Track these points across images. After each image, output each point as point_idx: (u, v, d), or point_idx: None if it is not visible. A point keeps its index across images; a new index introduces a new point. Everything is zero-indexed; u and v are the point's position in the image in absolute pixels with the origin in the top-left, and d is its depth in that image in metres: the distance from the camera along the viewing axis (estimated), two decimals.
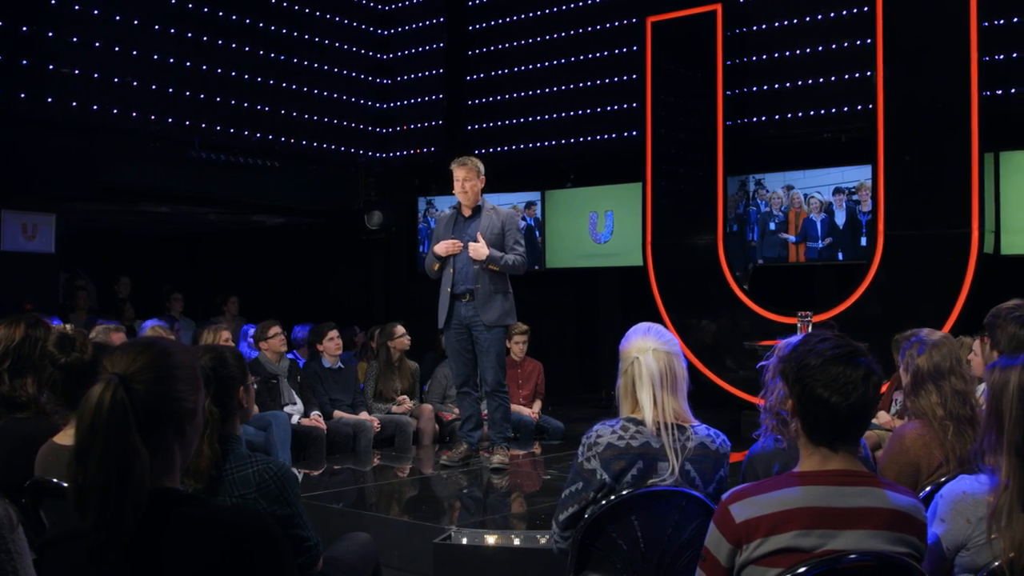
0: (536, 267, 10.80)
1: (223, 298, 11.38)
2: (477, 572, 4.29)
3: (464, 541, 4.34)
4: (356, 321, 10.64)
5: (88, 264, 11.49)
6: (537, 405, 8.51)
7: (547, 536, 4.38)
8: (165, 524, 1.76)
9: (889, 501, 2.27)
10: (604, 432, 3.02)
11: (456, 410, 8.15)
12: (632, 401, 3.06)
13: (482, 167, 6.48)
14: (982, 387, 3.75)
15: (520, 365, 8.49)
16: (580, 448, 3.06)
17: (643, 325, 3.13)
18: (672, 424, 3.01)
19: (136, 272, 12.08)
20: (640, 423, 3.00)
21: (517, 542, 4.35)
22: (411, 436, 7.82)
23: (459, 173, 6.41)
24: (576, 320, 11.71)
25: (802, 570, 2.21)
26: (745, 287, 9.18)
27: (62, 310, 9.33)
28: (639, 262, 9.83)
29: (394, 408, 8.12)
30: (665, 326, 9.24)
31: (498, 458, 6.38)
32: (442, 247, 6.36)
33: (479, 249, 6.20)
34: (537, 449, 7.60)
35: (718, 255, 9.20)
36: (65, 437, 3.12)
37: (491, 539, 4.34)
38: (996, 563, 2.39)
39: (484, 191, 6.55)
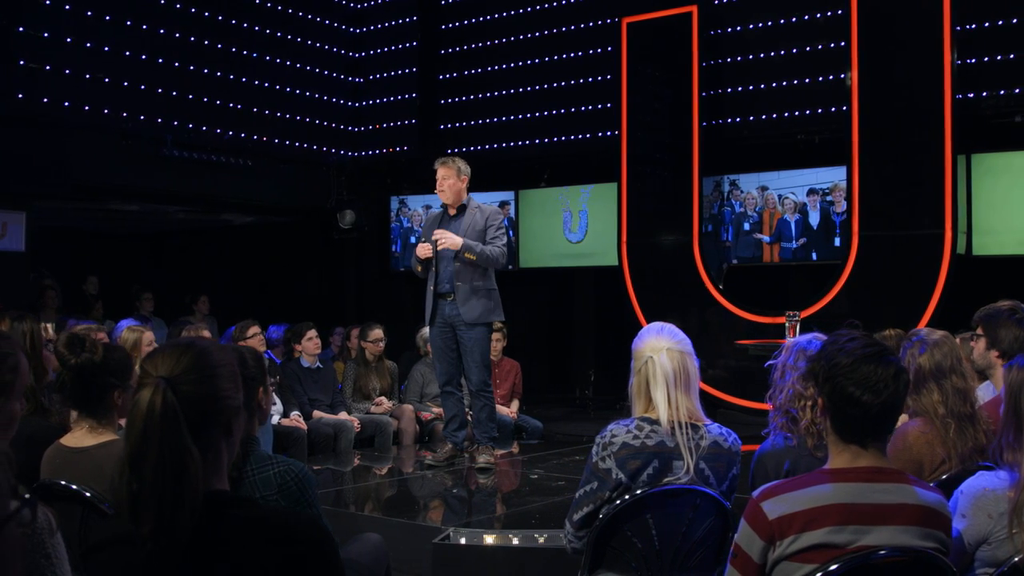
0: (510, 267, 10.81)
1: (193, 297, 11.27)
2: (476, 572, 4.28)
3: (463, 541, 4.33)
4: (328, 321, 10.57)
5: (53, 262, 11.31)
6: (515, 405, 8.50)
7: (545, 535, 4.40)
8: (221, 527, 1.74)
9: (918, 497, 2.30)
10: (619, 432, 3.01)
11: (435, 409, 8.15)
12: (645, 400, 3.06)
13: (464, 166, 6.46)
14: None
15: (497, 364, 8.47)
16: (594, 448, 3.05)
17: (656, 324, 3.13)
18: (686, 423, 3.02)
19: (102, 270, 11.90)
20: (654, 422, 3.01)
21: (516, 541, 4.34)
22: (391, 436, 7.79)
23: (439, 172, 6.42)
24: (550, 320, 11.72)
25: (835, 567, 2.23)
26: (720, 287, 9.26)
27: (32, 309, 9.17)
28: (613, 262, 9.88)
29: (372, 408, 8.09)
30: (641, 325, 9.23)
31: (484, 458, 6.35)
32: (420, 251, 6.37)
33: (451, 239, 6.16)
34: (515, 449, 7.59)
35: (693, 255, 9.26)
36: (73, 439, 3.08)
37: (489, 539, 4.34)
38: (1017, 557, 2.44)
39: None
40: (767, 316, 8.69)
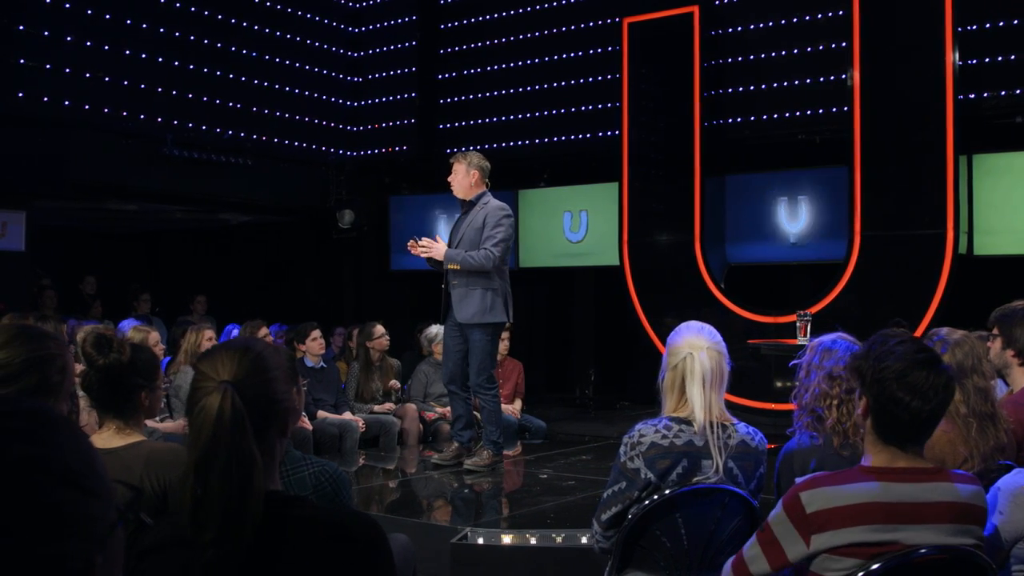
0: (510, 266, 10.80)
1: (191, 297, 11.26)
2: (495, 572, 4.28)
3: (480, 541, 4.33)
4: (327, 320, 10.54)
5: (50, 262, 11.28)
6: (518, 404, 8.50)
7: (562, 535, 4.41)
8: (279, 527, 1.74)
9: (958, 494, 2.31)
10: (647, 431, 3.02)
11: (439, 409, 8.15)
12: (678, 395, 3.05)
13: (476, 160, 6.36)
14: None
15: (500, 364, 8.45)
16: (621, 448, 3.05)
17: (695, 323, 3.14)
18: (717, 422, 3.03)
19: (98, 270, 11.88)
20: (683, 421, 3.01)
21: (533, 541, 4.35)
22: (396, 436, 7.79)
23: (452, 167, 6.40)
24: (550, 319, 11.72)
25: (876, 566, 2.24)
26: (721, 286, 9.27)
27: (31, 309, 9.13)
28: (614, 261, 9.88)
29: (376, 408, 8.08)
30: (642, 325, 9.19)
31: (473, 460, 6.24)
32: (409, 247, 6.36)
33: (436, 250, 6.13)
34: (519, 449, 7.58)
35: (695, 255, 9.27)
36: (100, 440, 3.04)
37: (507, 539, 4.34)
38: None
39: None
40: (769, 316, 8.71)
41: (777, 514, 2.38)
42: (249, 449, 1.69)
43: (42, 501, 0.91)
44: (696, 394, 2.99)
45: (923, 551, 2.26)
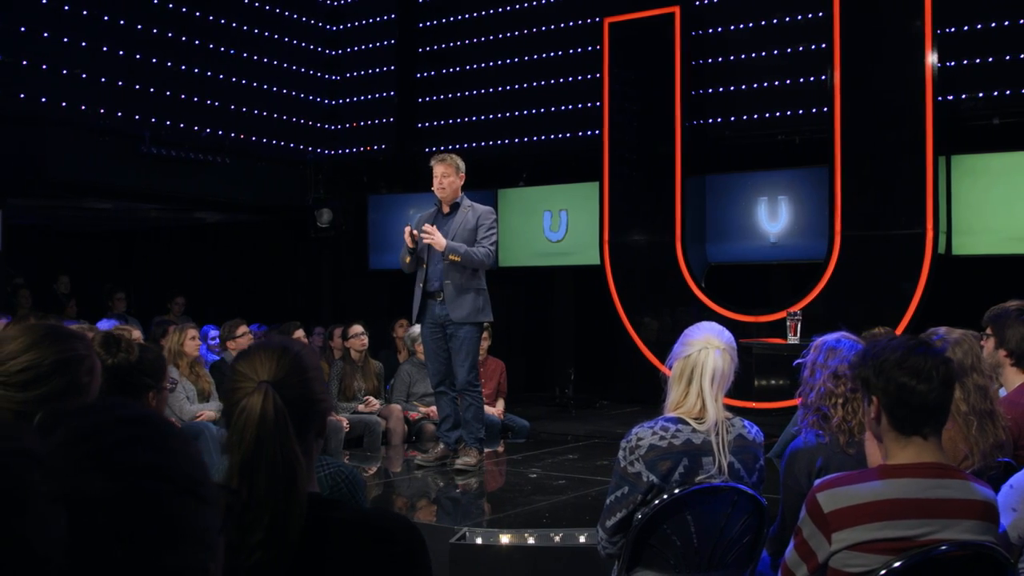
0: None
1: (168, 297, 11.16)
2: (494, 572, 4.28)
3: (479, 541, 4.33)
4: (306, 320, 10.47)
5: (22, 261, 11.13)
6: (500, 404, 8.50)
7: (560, 534, 4.42)
8: (322, 530, 1.73)
9: (977, 492, 2.34)
10: (644, 434, 3.03)
11: (422, 409, 8.13)
12: (686, 385, 3.06)
13: (461, 163, 6.43)
14: None
15: (482, 364, 8.44)
16: (620, 453, 3.06)
17: (715, 324, 3.16)
18: (720, 419, 3.05)
19: (71, 269, 11.74)
20: (679, 421, 3.03)
21: (532, 541, 4.35)
22: (380, 436, 7.76)
23: (437, 169, 6.36)
24: (530, 319, 11.72)
25: (898, 564, 2.26)
26: (702, 285, 9.32)
27: (7, 309, 9.02)
28: (594, 261, 9.90)
29: (360, 407, 8.05)
30: (622, 324, 9.21)
31: (462, 460, 6.26)
32: (405, 235, 6.32)
33: (437, 238, 6.15)
34: (501, 448, 7.58)
35: (676, 254, 9.31)
36: None
37: (505, 538, 4.34)
38: None
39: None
40: (750, 315, 8.76)
41: (803, 518, 2.41)
42: (293, 450, 1.67)
43: (166, 510, 0.90)
44: (707, 388, 3.01)
45: (943, 548, 2.28)
